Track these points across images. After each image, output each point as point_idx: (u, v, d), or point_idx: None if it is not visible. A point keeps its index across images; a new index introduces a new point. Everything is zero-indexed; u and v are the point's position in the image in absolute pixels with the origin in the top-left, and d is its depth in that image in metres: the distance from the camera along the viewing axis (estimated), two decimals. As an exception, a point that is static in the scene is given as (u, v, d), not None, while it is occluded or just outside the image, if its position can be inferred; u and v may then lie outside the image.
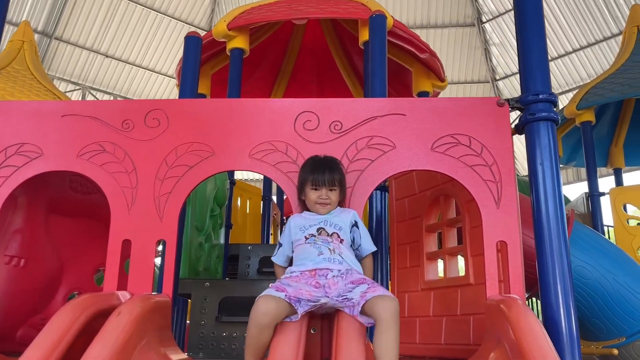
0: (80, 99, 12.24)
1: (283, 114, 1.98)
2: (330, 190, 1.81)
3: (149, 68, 13.49)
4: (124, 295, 1.78)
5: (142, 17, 12.87)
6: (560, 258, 1.76)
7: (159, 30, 13.19)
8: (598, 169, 7.07)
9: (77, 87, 12.62)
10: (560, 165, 7.06)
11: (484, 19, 13.22)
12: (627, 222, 4.96)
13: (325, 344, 1.80)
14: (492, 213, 1.83)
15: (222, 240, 3.66)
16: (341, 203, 1.87)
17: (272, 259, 1.92)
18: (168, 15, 13.12)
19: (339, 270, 1.70)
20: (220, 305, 2.76)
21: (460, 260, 2.29)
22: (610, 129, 6.69)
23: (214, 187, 3.30)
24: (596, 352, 3.28)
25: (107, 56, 12.89)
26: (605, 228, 5.36)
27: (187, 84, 3.06)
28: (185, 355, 1.80)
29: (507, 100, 1.94)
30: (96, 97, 12.83)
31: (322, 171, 1.81)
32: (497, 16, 12.97)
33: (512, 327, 1.45)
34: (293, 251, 1.83)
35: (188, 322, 2.85)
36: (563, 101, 10.99)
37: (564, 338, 1.68)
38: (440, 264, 2.42)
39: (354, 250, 1.83)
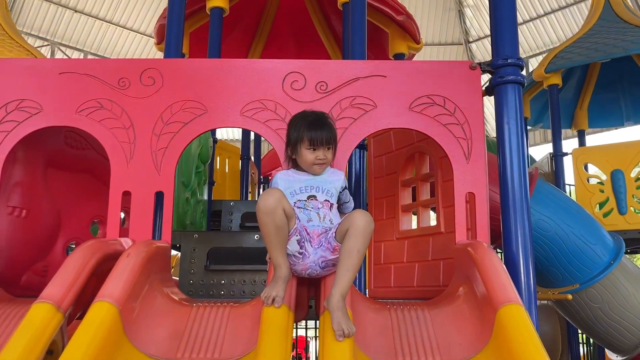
0: (49, 55, 11.95)
1: (272, 74, 2.11)
2: (328, 149, 1.85)
3: (119, 24, 13.18)
4: (126, 241, 1.93)
5: (112, -29, 12.53)
6: (521, 209, 1.98)
7: (129, -15, 12.87)
8: (563, 130, 7.34)
9: (46, 43, 12.30)
10: (528, 127, 7.30)
11: (458, -20, 13.26)
12: (588, 181, 5.25)
13: (311, 288, 1.98)
14: (463, 167, 2.02)
15: (205, 197, 3.81)
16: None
17: None
18: (139, -30, 12.79)
19: (325, 228, 1.78)
20: (208, 255, 2.93)
21: (431, 212, 2.50)
22: (576, 93, 6.96)
23: (198, 144, 3.42)
24: (552, 297, 3.59)
25: (76, 11, 12.54)
26: (567, 187, 5.67)
27: (172, 43, 3.13)
28: (183, 295, 1.97)
29: (479, 63, 2.11)
30: (65, 54, 12.53)
31: (320, 130, 1.82)
32: (472, -23, 13.03)
33: (477, 266, 1.66)
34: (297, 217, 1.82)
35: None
36: (534, 64, 11.21)
37: (522, 279, 1.91)
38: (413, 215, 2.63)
39: (338, 205, 1.92)
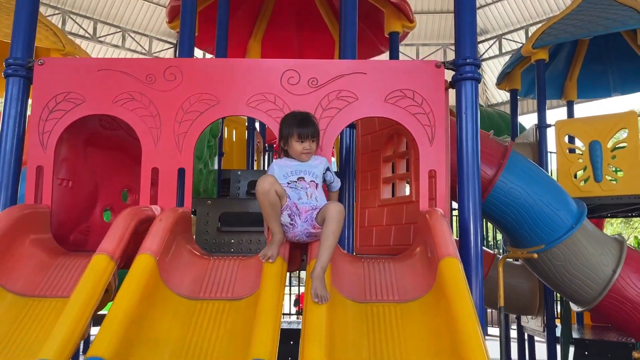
0: (60, 24, 12.28)
1: (272, 71, 2.55)
2: (312, 141, 2.33)
3: (128, -8, 13.43)
4: (156, 208, 2.43)
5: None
6: (473, 182, 2.45)
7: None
8: (555, 100, 7.65)
9: (57, 12, 12.60)
10: (519, 98, 7.71)
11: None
12: (575, 151, 5.63)
13: (304, 248, 2.45)
14: (427, 149, 2.49)
15: (215, 167, 4.29)
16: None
17: None
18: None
19: (312, 206, 2.24)
20: (219, 218, 3.43)
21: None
22: (566, 65, 7.32)
23: (209, 121, 3.87)
24: (521, 256, 4.09)
25: (85, -22, 12.79)
26: (550, 155, 6.11)
27: (187, 30, 3.56)
28: (203, 251, 2.48)
29: (443, 63, 2.55)
30: (76, 22, 12.84)
31: (306, 127, 2.30)
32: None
33: (430, 228, 2.14)
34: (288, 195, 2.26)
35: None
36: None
37: (471, 238, 2.40)
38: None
39: (326, 185, 2.39)
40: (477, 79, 2.52)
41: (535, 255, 3.99)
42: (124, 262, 2.23)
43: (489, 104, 14.31)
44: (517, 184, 3.98)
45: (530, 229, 4.02)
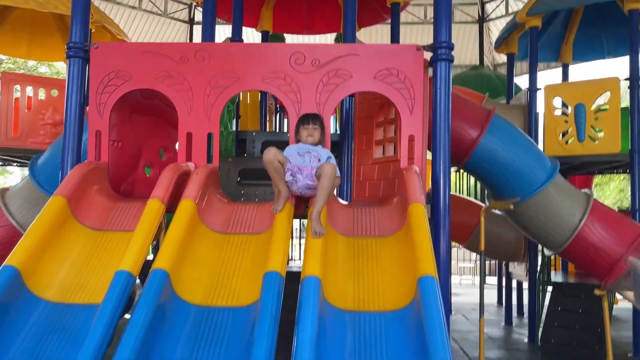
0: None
1: (282, 53, 3.13)
2: (314, 129, 2.94)
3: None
4: (190, 165, 3.06)
5: None
6: (444, 144, 3.05)
7: None
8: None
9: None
10: (516, 60, 8.16)
11: None
12: (563, 114, 6.13)
13: (307, 201, 3.07)
14: (407, 118, 3.08)
15: (234, 128, 4.90)
16: (321, 143, 2.99)
17: None
18: None
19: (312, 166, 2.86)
20: (239, 174, 4.08)
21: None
22: (562, 29, 7.73)
23: (229, 89, 4.46)
24: (499, 206, 4.71)
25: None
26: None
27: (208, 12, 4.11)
28: (229, 198, 3.12)
29: (423, 46, 3.10)
30: (94, -17, 13.21)
31: (310, 118, 2.96)
32: None
33: (405, 181, 2.76)
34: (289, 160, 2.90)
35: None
36: None
37: (440, 190, 3.01)
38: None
39: None
40: (451, 60, 3.08)
41: (512, 207, 4.60)
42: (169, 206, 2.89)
43: (495, 63, 14.60)
44: (497, 144, 4.55)
45: (508, 183, 4.62)
